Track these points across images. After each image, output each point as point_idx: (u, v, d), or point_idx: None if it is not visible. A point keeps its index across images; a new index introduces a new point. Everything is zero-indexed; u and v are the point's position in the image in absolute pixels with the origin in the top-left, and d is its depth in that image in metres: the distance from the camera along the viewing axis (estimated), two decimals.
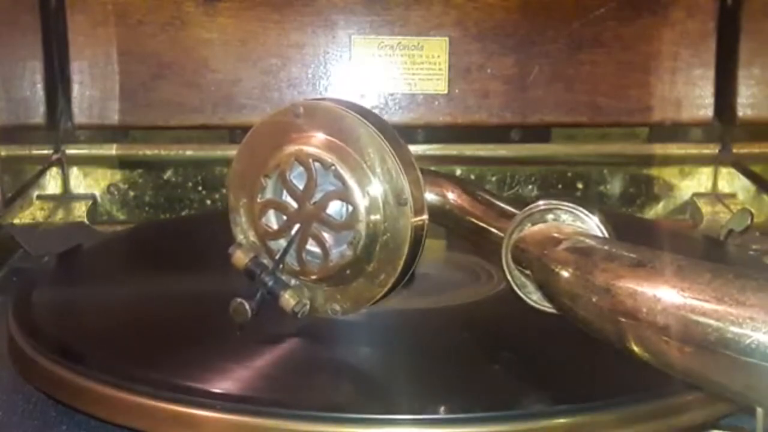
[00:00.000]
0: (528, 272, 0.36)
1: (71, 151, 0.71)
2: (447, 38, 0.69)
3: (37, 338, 0.39)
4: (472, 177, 0.74)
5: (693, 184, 0.74)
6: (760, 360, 0.23)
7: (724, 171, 0.73)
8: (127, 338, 0.40)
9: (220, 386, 0.34)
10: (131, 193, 0.73)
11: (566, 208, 0.37)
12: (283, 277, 0.39)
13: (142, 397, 0.34)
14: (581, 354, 0.36)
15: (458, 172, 0.73)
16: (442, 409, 0.32)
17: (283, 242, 0.39)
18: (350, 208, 0.38)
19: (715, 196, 0.73)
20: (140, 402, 0.33)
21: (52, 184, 0.71)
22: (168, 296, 0.46)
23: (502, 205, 0.41)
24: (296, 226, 0.39)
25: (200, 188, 0.74)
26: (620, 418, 0.33)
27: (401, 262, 0.38)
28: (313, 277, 0.39)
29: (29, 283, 0.47)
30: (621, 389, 0.33)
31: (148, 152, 0.72)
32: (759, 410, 0.28)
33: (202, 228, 0.61)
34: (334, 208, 0.39)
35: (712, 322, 0.24)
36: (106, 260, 0.55)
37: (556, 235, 0.35)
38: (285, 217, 0.40)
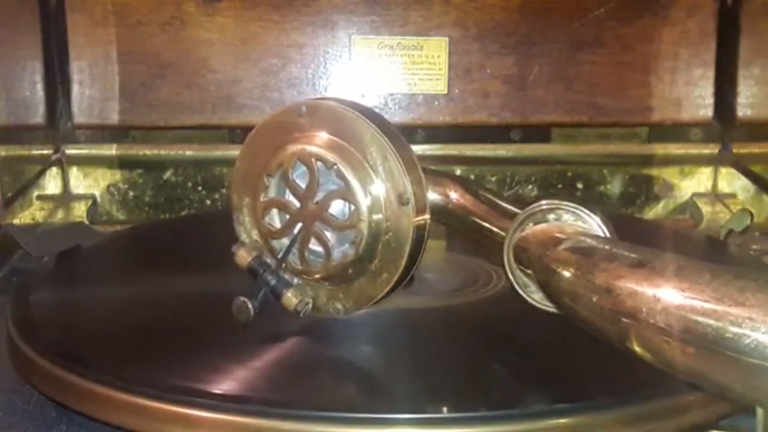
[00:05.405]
0: (529, 272, 0.36)
1: (71, 151, 0.71)
2: (447, 38, 0.69)
3: (37, 338, 0.39)
4: (472, 177, 0.74)
5: (693, 184, 0.74)
6: (759, 360, 0.23)
7: (724, 171, 0.73)
8: (126, 338, 0.40)
9: (220, 386, 0.34)
10: (131, 193, 0.73)
11: (568, 207, 0.37)
12: (286, 276, 0.39)
13: (141, 397, 0.33)
14: (582, 354, 0.36)
15: (458, 172, 0.73)
16: (443, 408, 0.32)
17: (285, 241, 0.40)
18: (352, 207, 0.38)
19: (715, 196, 0.73)
20: (140, 402, 0.33)
21: (52, 184, 0.71)
22: (167, 296, 0.45)
23: (504, 204, 0.41)
24: (299, 225, 0.39)
25: (200, 188, 0.74)
26: (620, 418, 0.33)
27: (403, 262, 0.38)
28: (316, 276, 0.39)
29: (29, 283, 0.47)
30: (621, 389, 0.33)
31: (148, 152, 0.72)
32: (759, 410, 0.28)
33: (201, 228, 0.61)
34: (337, 207, 0.39)
35: (711, 322, 0.24)
36: (106, 260, 0.55)
37: (557, 234, 0.35)
38: (288, 216, 0.40)
